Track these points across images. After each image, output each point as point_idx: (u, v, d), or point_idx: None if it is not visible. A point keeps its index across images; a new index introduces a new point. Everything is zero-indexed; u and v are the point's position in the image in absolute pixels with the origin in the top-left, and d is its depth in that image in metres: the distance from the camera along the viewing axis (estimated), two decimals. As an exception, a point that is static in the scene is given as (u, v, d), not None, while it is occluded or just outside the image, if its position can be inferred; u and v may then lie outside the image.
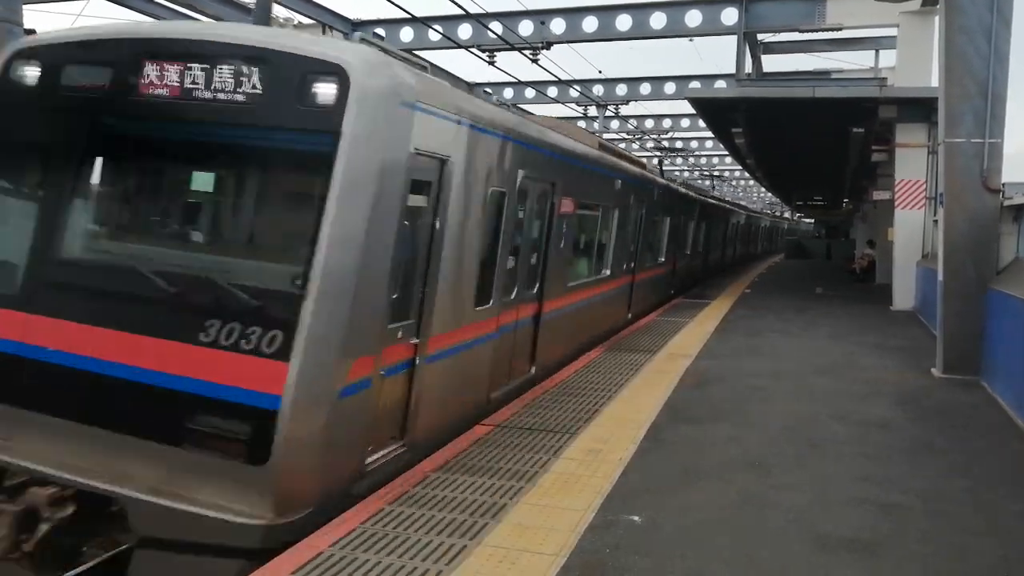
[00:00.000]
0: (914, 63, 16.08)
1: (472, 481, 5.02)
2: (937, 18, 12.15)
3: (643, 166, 15.44)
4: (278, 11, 18.56)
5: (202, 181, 5.35)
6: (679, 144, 38.32)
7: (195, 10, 16.10)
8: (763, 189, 56.85)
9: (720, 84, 23.58)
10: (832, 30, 16.63)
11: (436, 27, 18.40)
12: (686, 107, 27.42)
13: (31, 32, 12.97)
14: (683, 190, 19.66)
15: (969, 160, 8.65)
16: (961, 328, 8.78)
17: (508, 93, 28.68)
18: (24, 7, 12.20)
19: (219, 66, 4.58)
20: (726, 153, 35.94)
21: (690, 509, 4.62)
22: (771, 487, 5.06)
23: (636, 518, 4.46)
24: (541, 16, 18.09)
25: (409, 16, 15.76)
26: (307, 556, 3.87)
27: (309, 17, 18.55)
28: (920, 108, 14.29)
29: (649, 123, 34.56)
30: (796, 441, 6.13)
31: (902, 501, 4.85)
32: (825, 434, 6.36)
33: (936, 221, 12.53)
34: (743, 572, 3.83)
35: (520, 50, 17.82)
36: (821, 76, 19.35)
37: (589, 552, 4.00)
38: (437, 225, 5.36)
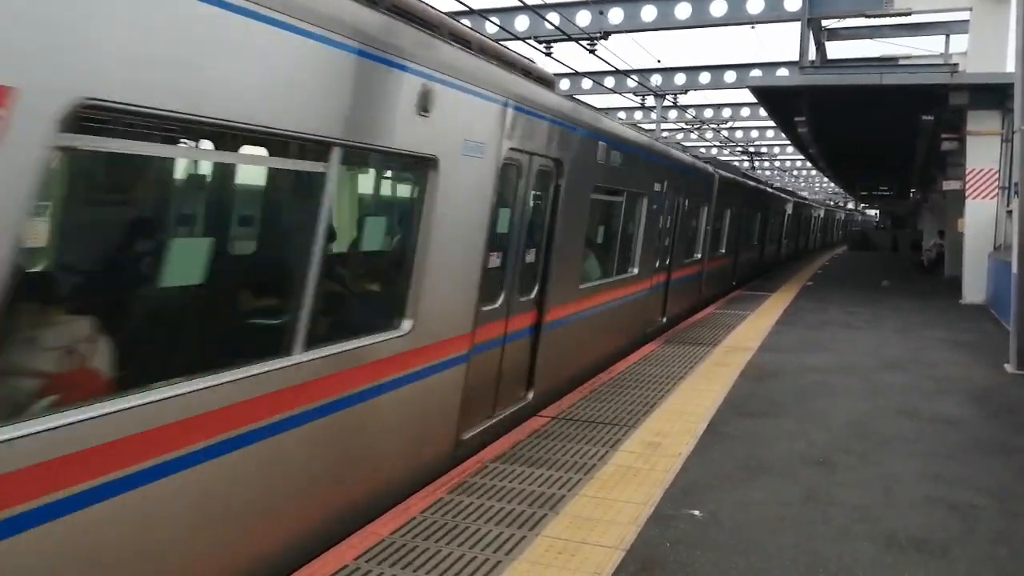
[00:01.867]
0: (987, 48, 15.47)
1: (530, 472, 5.03)
2: (1014, 0, 11.66)
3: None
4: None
5: None
6: (739, 133, 37.67)
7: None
8: (825, 179, 55.45)
9: (782, 72, 23.06)
10: (900, 15, 16.08)
11: (493, 19, 18.42)
12: (746, 96, 26.92)
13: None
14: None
15: (1047, 148, 8.32)
16: (1037, 323, 8.46)
17: (564, 84, 28.59)
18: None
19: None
20: (787, 142, 35.19)
21: (752, 505, 4.55)
22: (836, 484, 4.95)
23: (697, 513, 4.41)
24: (599, 5, 17.93)
25: (467, 9, 15.80)
26: (369, 543, 3.94)
27: (368, 11, 18.74)
28: (993, 94, 13.76)
29: (708, 112, 34.03)
30: (861, 437, 5.98)
31: (974, 501, 4.70)
32: (892, 430, 6.20)
33: (1010, 211, 12.06)
34: (808, 570, 3.75)
35: (577, 41, 17.72)
36: (888, 62, 18.78)
37: (649, 546, 3.98)
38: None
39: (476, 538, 4.02)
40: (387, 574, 3.62)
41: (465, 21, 18.93)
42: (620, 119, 36.47)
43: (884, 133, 20.23)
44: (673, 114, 32.72)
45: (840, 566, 3.81)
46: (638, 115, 35.15)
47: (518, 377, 6.36)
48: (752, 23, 17.27)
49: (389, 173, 5.73)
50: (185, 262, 3.50)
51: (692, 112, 33.28)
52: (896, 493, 4.81)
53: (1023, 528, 4.31)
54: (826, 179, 57.10)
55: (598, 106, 37.68)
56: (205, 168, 5.12)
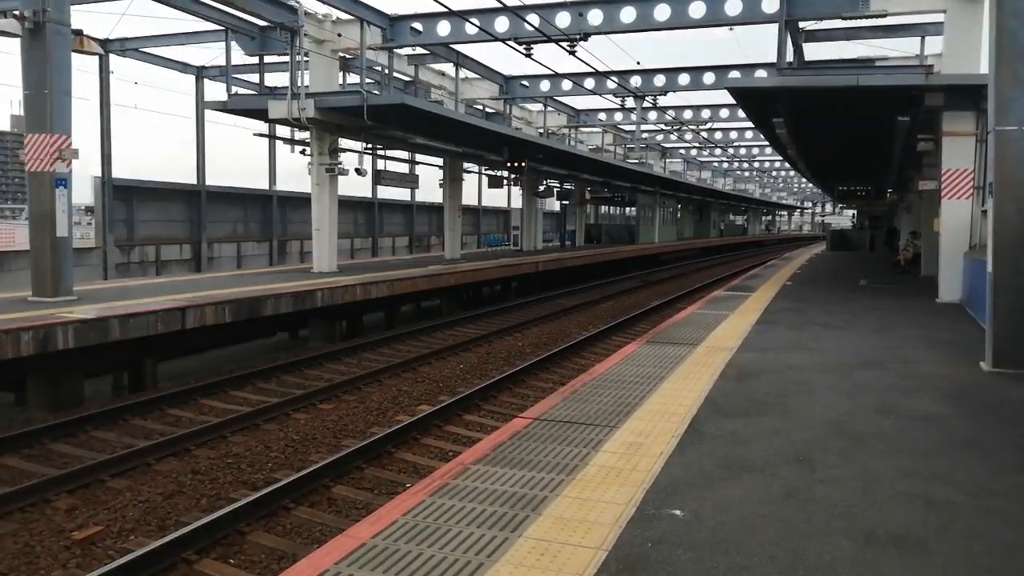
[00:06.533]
0: (962, 49, 15.65)
1: (511, 474, 5.02)
2: (987, 2, 11.82)
3: None
4: (316, 7, 18.68)
5: None
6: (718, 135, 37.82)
7: (235, 6, 16.26)
8: (803, 180, 55.87)
9: (760, 73, 23.23)
10: (876, 17, 16.26)
11: (473, 20, 18.38)
12: (725, 97, 27.06)
13: (78, 33, 13.28)
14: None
15: (1020, 148, 8.40)
16: (1012, 321, 8.54)
17: (545, 85, 28.61)
18: (71, 7, 12.46)
19: None
20: (765, 143, 35.36)
21: (733, 503, 4.57)
22: (816, 482, 4.98)
23: (678, 512, 4.43)
24: (579, 7, 17.98)
25: (446, 10, 15.75)
26: (348, 548, 3.91)
27: (347, 12, 18.66)
28: (968, 95, 13.92)
29: (687, 114, 34.12)
30: (841, 435, 6.03)
31: (952, 497, 4.74)
32: (871, 428, 6.25)
33: (985, 211, 12.22)
34: (788, 567, 3.77)
35: (557, 42, 17.71)
36: (865, 64, 18.97)
37: (631, 546, 3.98)
38: None
39: (458, 541, 4.01)
40: (368, 578, 3.60)
41: (444, 22, 18.96)
42: (600, 120, 36.58)
43: (861, 134, 20.44)
44: (653, 115, 32.76)
45: (820, 563, 3.83)
46: (618, 116, 35.24)
47: None
48: (730, 25, 17.38)
49: None
50: None
51: (672, 113, 33.32)
52: (875, 490, 4.85)
53: (999, 524, 4.36)
54: (804, 180, 57.40)
55: (579, 108, 37.63)
56: None
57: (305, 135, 18.92)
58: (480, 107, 31.57)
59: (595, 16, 17.97)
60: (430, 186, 27.12)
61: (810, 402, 7.09)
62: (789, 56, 17.33)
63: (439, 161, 26.66)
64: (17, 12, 11.83)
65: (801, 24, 18.17)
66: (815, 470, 5.22)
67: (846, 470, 5.23)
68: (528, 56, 18.20)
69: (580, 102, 34.82)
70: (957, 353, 9.63)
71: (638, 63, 25.36)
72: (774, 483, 4.95)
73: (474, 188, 39.11)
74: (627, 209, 48.09)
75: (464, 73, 25.62)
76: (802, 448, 5.69)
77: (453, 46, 22.45)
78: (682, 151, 50.73)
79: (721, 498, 4.66)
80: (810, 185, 61.69)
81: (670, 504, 4.54)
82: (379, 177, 23.68)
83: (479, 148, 25.16)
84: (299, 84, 17.37)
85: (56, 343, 9.88)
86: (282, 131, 20.01)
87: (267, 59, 20.26)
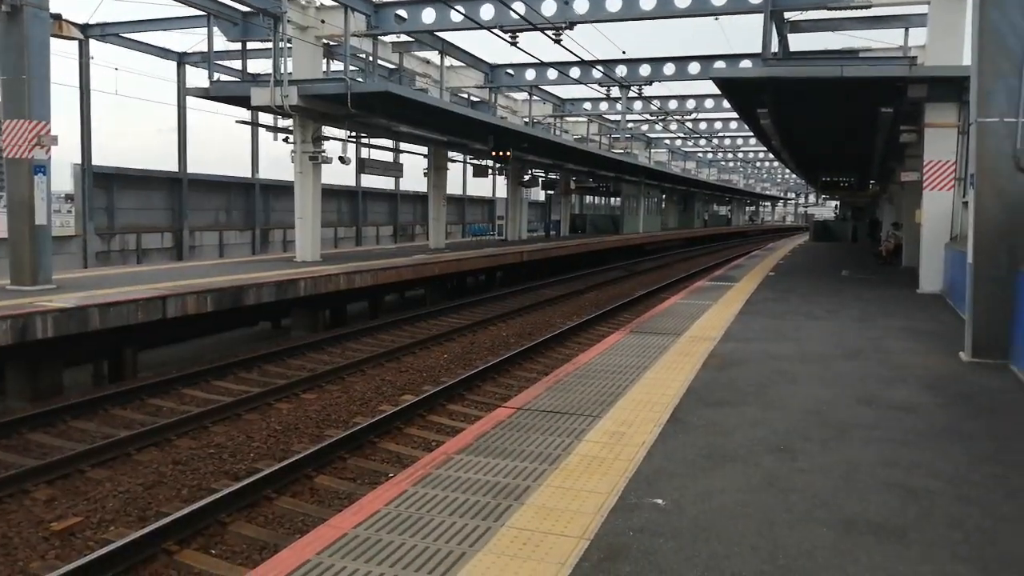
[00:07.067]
0: (945, 41, 15.76)
1: (495, 463, 5.02)
2: (970, -6, 11.86)
3: None
4: (300, -7, 18.49)
5: None
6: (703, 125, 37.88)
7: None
8: (787, 171, 56.13)
9: (746, 64, 23.27)
10: (861, 8, 16.32)
11: (458, 7, 18.26)
12: (710, 87, 27.09)
13: (57, 17, 13.08)
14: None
15: (1001, 140, 8.46)
16: (991, 311, 8.62)
17: (530, 74, 28.53)
18: (49, -9, 12.27)
19: None
20: (749, 134, 35.47)
21: (715, 492, 4.59)
22: (797, 471, 5.01)
23: (660, 501, 4.44)
24: (564, -4, 17.89)
25: (431, -3, 15.64)
26: (330, 538, 3.90)
27: (331, -1, 18.46)
28: (951, 87, 14.01)
29: (672, 104, 34.12)
30: (822, 425, 6.07)
31: (930, 486, 4.79)
32: (851, 418, 6.29)
33: (966, 202, 12.31)
34: (769, 556, 3.80)
35: (543, 30, 17.65)
36: (849, 55, 19.02)
37: (613, 535, 3.99)
38: None
39: (441, 530, 4.01)
40: (349, 568, 3.59)
41: (429, 9, 18.83)
42: (585, 109, 36.53)
43: (845, 125, 20.51)
44: (638, 105, 32.77)
45: (800, 551, 3.85)
46: (603, 106, 35.20)
47: None
48: (716, 15, 17.38)
49: None
50: None
51: (657, 103, 33.34)
52: (855, 479, 4.88)
53: (976, 512, 4.40)
54: (788, 171, 57.69)
55: (564, 97, 37.59)
56: None
57: (288, 123, 18.76)
58: (465, 95, 31.43)
59: (581, 5, 17.90)
60: (415, 175, 26.98)
61: (792, 392, 7.13)
62: (774, 47, 17.34)
63: (424, 150, 26.53)
64: (-6, -5, 11.64)
65: (786, 15, 18.18)
66: (796, 459, 5.25)
67: (827, 459, 5.26)
68: (514, 44, 18.14)
69: (565, 91, 34.76)
70: (937, 343, 9.71)
71: (624, 52, 25.38)
72: (755, 472, 4.97)
73: (459, 177, 39.05)
74: (612, 199, 48.14)
75: (449, 61, 25.50)
76: (783, 438, 5.72)
77: (438, 34, 22.33)
78: (667, 141, 50.78)
79: (703, 487, 4.68)
80: (794, 176, 62.00)
81: (652, 493, 4.56)
82: (363, 165, 23.57)
83: (464, 137, 25.06)
84: (282, 71, 17.22)
85: (35, 332, 9.77)
86: (265, 118, 19.84)
87: (250, 46, 20.05)
